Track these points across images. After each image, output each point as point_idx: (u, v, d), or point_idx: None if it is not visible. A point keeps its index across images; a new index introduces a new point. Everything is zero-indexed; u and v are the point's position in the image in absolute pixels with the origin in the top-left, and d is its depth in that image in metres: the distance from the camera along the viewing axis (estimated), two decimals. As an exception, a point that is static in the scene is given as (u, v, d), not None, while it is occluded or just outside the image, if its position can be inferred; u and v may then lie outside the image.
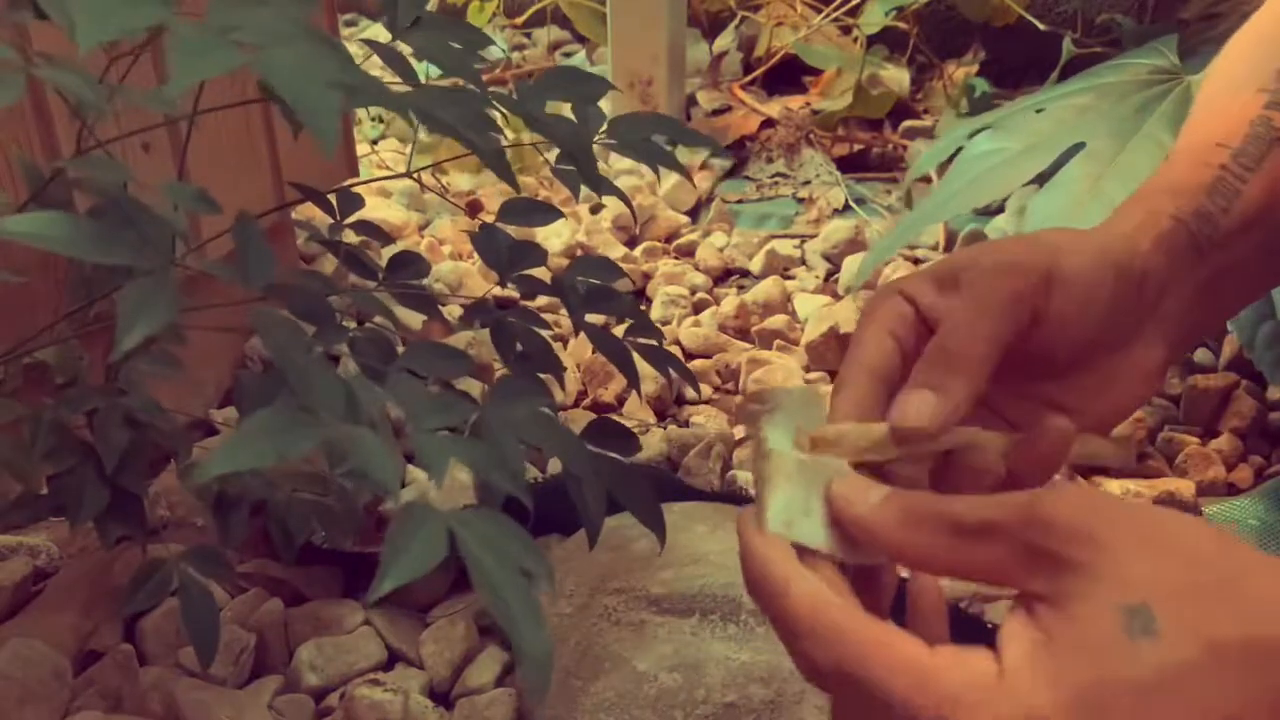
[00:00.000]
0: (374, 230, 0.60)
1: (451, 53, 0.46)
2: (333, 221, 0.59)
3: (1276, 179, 0.52)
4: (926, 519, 0.37)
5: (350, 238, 0.60)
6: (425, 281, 0.56)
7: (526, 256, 0.55)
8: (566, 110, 0.52)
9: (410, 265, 0.56)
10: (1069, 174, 0.86)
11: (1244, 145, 0.52)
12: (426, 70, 0.97)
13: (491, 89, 0.48)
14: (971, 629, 0.58)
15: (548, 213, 0.55)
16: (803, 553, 0.40)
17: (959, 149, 0.97)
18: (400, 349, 0.49)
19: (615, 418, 0.85)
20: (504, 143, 0.45)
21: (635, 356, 0.58)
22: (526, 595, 0.34)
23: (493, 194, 1.19)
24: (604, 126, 0.50)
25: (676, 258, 1.10)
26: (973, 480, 0.45)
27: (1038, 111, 0.94)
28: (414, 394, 0.38)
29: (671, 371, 0.58)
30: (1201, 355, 0.89)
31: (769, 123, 1.37)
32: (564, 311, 0.56)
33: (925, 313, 0.47)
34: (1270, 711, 0.30)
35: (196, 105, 0.45)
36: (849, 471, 0.43)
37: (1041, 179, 0.89)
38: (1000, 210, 1.07)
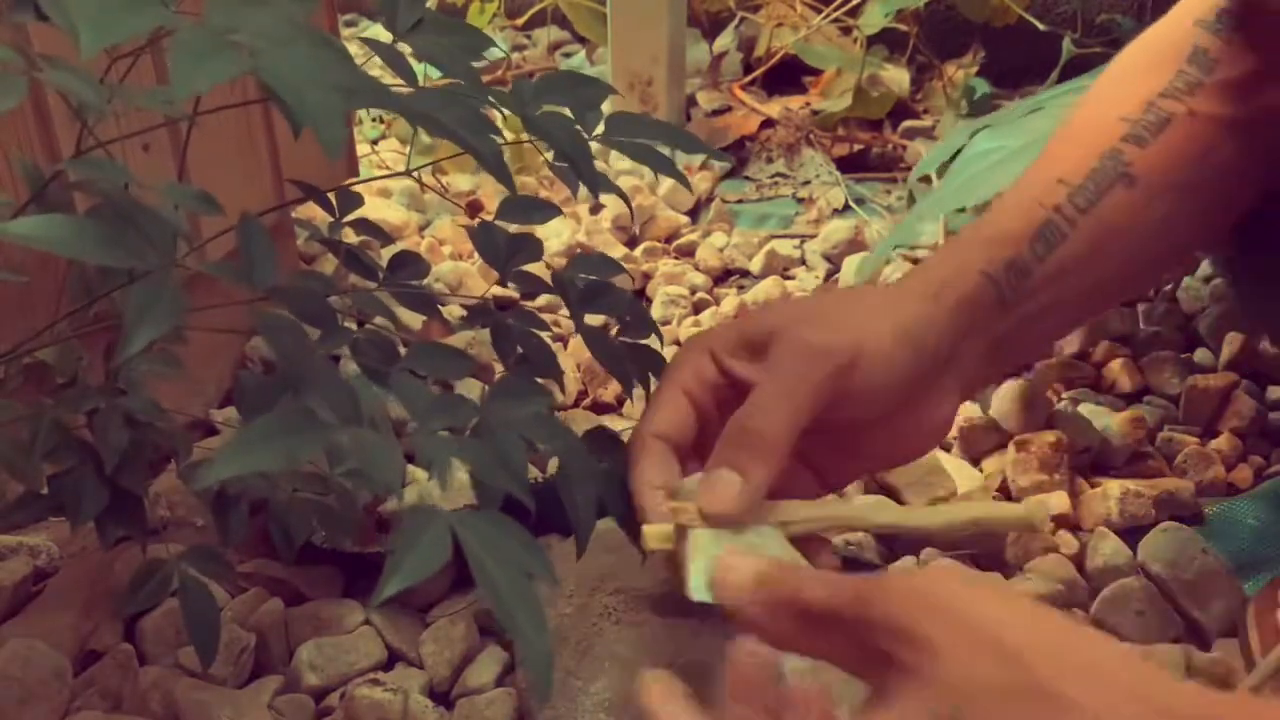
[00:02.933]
0: (374, 229, 0.60)
1: (451, 54, 0.46)
2: (332, 221, 0.59)
3: (1105, 226, 0.52)
4: (782, 604, 0.37)
5: (351, 238, 0.60)
6: (425, 282, 0.56)
7: (523, 250, 0.55)
8: (566, 111, 0.52)
9: (410, 265, 0.56)
10: None
11: (1084, 182, 0.52)
12: (425, 71, 0.97)
13: (492, 91, 0.48)
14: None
15: (546, 210, 0.55)
16: None
17: (960, 149, 0.97)
18: (401, 350, 0.49)
19: (615, 418, 0.85)
20: (503, 142, 0.45)
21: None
22: (528, 597, 0.34)
23: (493, 194, 1.19)
24: (600, 127, 0.50)
25: (676, 258, 1.10)
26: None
27: (1035, 111, 0.94)
28: (417, 395, 0.39)
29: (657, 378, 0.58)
30: (1201, 355, 0.89)
31: (769, 123, 1.37)
32: (564, 312, 0.56)
33: (731, 376, 0.49)
34: None
35: (196, 106, 0.45)
36: (771, 535, 0.45)
37: None
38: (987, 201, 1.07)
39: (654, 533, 0.45)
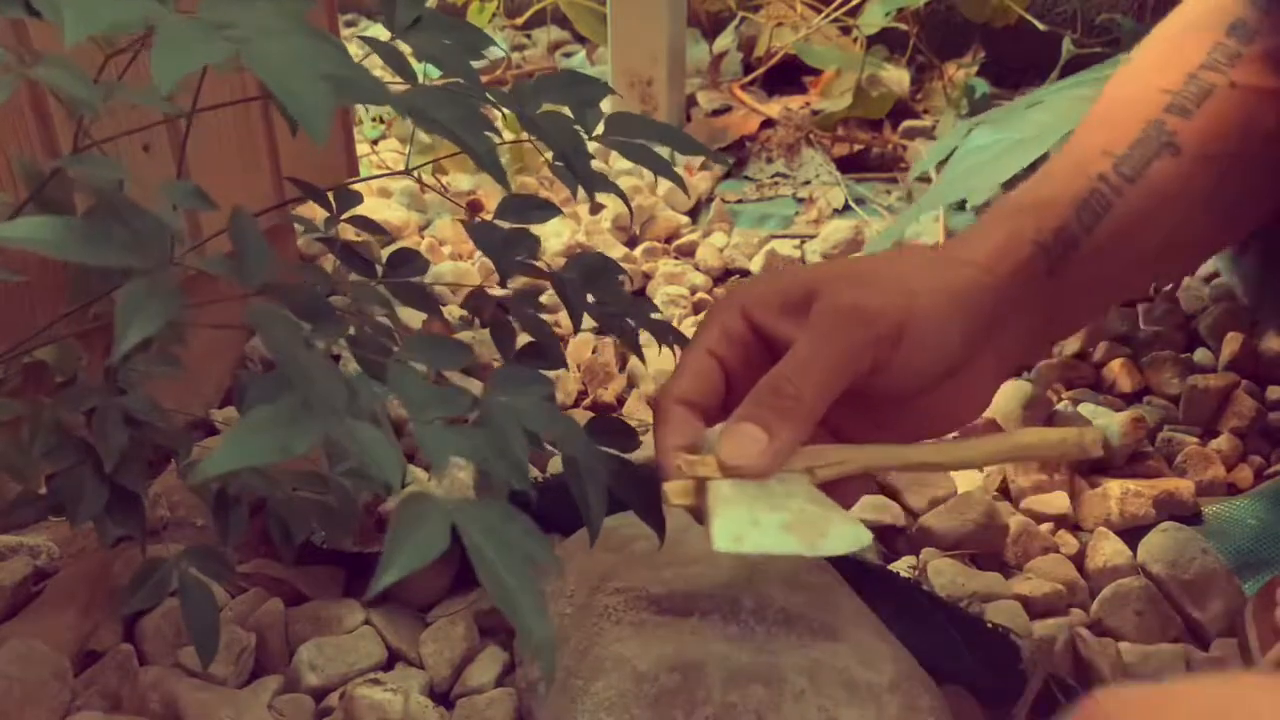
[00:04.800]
0: (372, 226, 0.60)
1: (450, 53, 0.46)
2: (328, 217, 0.58)
3: (1152, 194, 0.51)
4: None
5: (351, 237, 0.60)
6: (425, 282, 0.56)
7: (521, 243, 0.55)
8: (566, 111, 0.52)
9: (409, 263, 0.56)
10: None
11: (1129, 151, 0.51)
12: (425, 70, 0.97)
13: (491, 90, 0.48)
14: (973, 629, 0.58)
15: (545, 210, 0.55)
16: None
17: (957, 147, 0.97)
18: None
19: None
20: (502, 142, 0.45)
21: (634, 359, 0.58)
22: (530, 584, 0.33)
23: (493, 194, 1.19)
24: (600, 127, 0.50)
25: (676, 258, 1.10)
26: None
27: (1035, 105, 0.94)
28: (413, 385, 0.38)
29: (676, 347, 0.57)
30: (1201, 355, 0.89)
31: (769, 123, 1.37)
32: (564, 313, 0.56)
33: (766, 333, 0.47)
34: None
35: (195, 103, 0.45)
36: (798, 482, 0.44)
37: (1035, 167, 0.89)
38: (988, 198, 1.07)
39: (675, 489, 0.44)
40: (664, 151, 0.53)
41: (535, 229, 0.56)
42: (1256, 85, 0.52)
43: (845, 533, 0.42)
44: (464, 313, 0.60)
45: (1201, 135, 0.51)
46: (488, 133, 0.42)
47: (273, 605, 0.63)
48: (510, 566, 0.33)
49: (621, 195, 0.53)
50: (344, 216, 0.59)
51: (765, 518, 0.41)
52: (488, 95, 0.46)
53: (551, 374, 0.51)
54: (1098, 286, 0.52)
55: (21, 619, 0.62)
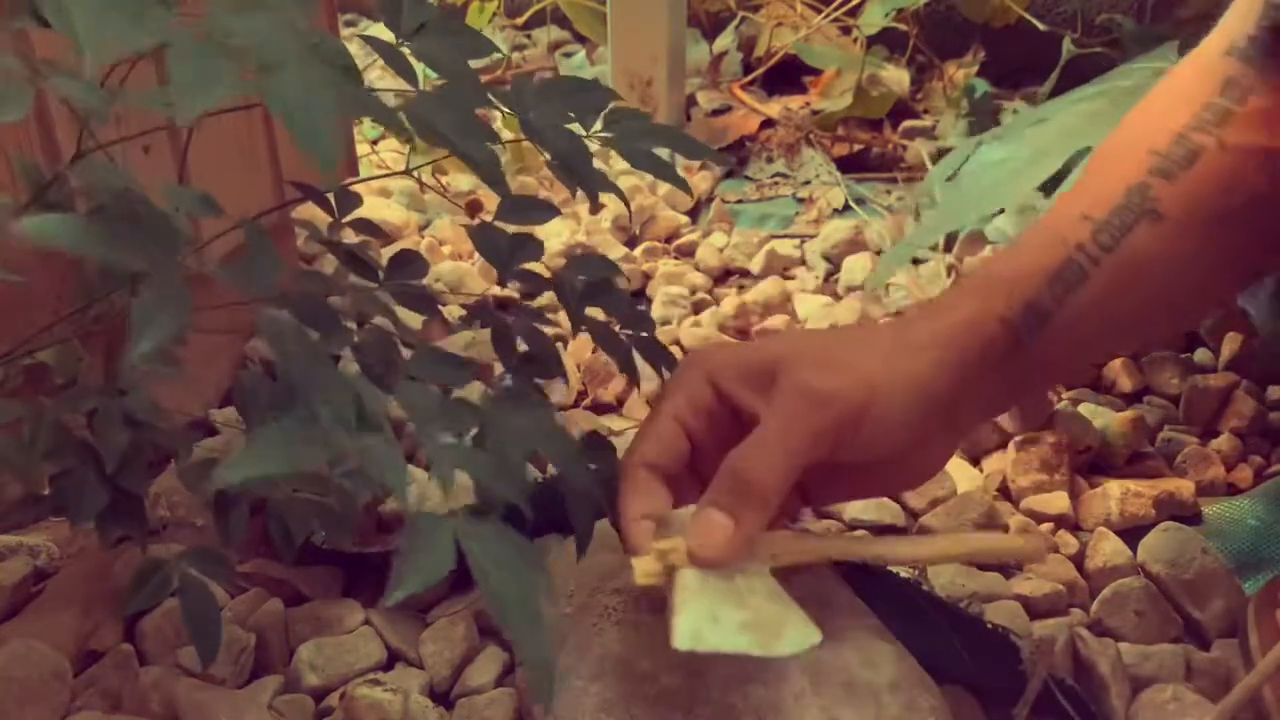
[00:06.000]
0: (372, 229, 0.60)
1: (449, 55, 0.47)
2: (331, 221, 0.59)
3: (1131, 264, 0.50)
4: None
5: (351, 239, 0.60)
6: (425, 282, 0.56)
7: (525, 249, 0.55)
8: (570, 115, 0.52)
9: (410, 265, 0.56)
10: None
11: (1109, 217, 0.50)
12: (425, 71, 0.97)
13: (492, 90, 0.48)
14: (973, 629, 0.58)
15: (546, 210, 0.55)
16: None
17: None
18: (402, 349, 0.49)
19: (615, 418, 0.85)
20: (503, 141, 0.45)
21: (636, 356, 0.58)
22: (529, 605, 0.35)
23: (492, 194, 1.18)
24: (598, 124, 0.50)
25: (676, 258, 1.10)
26: None
27: (1041, 121, 0.94)
28: (421, 401, 0.39)
29: (664, 370, 0.58)
30: (1201, 355, 0.89)
31: (769, 123, 1.37)
32: (565, 313, 0.56)
33: (731, 401, 0.48)
34: None
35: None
36: (759, 577, 0.46)
37: (1050, 185, 0.89)
38: (1001, 210, 1.07)
39: (642, 568, 0.46)
40: (664, 153, 0.53)
41: (535, 230, 0.56)
42: (1248, 144, 0.50)
43: (799, 634, 0.45)
44: (464, 312, 0.60)
45: (1185, 200, 0.50)
46: (488, 143, 0.43)
47: (273, 605, 0.63)
48: (511, 590, 0.35)
49: (621, 196, 0.53)
50: (345, 220, 0.59)
51: (725, 615, 0.44)
52: (489, 96, 0.46)
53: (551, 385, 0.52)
54: (1066, 358, 0.52)
55: (21, 619, 0.62)
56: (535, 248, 0.55)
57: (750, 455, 0.46)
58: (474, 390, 0.68)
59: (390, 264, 0.56)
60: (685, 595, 0.44)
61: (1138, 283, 0.51)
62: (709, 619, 0.43)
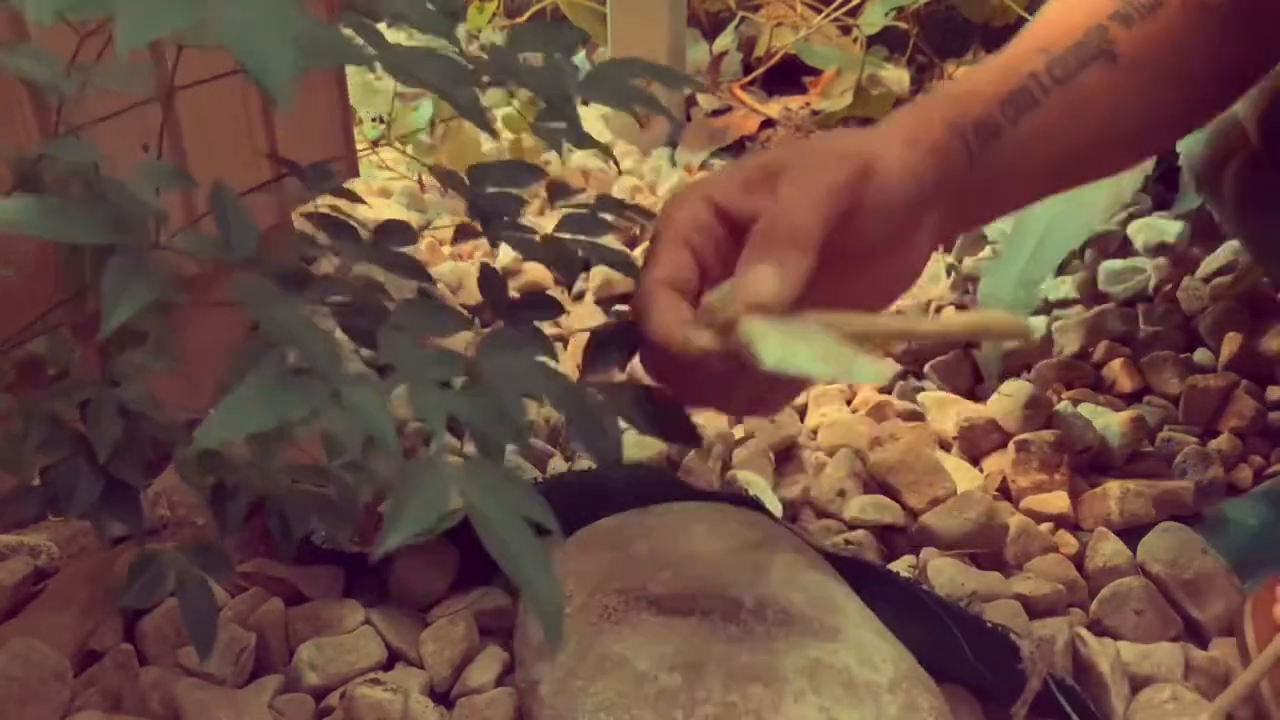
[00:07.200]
0: (352, 196, 0.58)
1: (430, 18, 0.45)
2: (310, 191, 0.57)
3: (1081, 98, 0.52)
4: None
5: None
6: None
7: (510, 204, 0.53)
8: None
9: (398, 233, 0.55)
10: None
11: (1064, 54, 0.53)
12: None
13: (472, 58, 0.47)
14: (973, 629, 0.58)
15: (528, 173, 0.53)
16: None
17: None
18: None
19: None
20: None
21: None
22: (533, 543, 0.33)
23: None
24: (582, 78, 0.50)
25: (676, 258, 1.10)
26: None
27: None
28: (404, 350, 0.37)
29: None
30: (1201, 355, 0.89)
31: (769, 123, 1.37)
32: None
33: (733, 215, 0.48)
34: None
35: (172, 80, 0.45)
36: (818, 329, 0.45)
37: None
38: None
39: (698, 333, 0.45)
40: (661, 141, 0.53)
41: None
42: (1207, 0, 0.52)
43: (872, 366, 0.43)
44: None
45: (1140, 46, 0.52)
46: (470, 86, 0.42)
47: (273, 605, 0.63)
48: (512, 529, 0.33)
49: (605, 149, 0.52)
50: (328, 192, 0.57)
51: (800, 348, 0.43)
52: (466, 60, 0.45)
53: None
54: (1017, 177, 0.53)
55: (21, 619, 0.62)
56: (516, 201, 0.54)
57: (781, 209, 0.46)
58: (462, 340, 0.66)
59: (377, 232, 0.54)
60: (759, 329, 0.43)
61: (1087, 114, 0.53)
62: (787, 348, 0.43)
